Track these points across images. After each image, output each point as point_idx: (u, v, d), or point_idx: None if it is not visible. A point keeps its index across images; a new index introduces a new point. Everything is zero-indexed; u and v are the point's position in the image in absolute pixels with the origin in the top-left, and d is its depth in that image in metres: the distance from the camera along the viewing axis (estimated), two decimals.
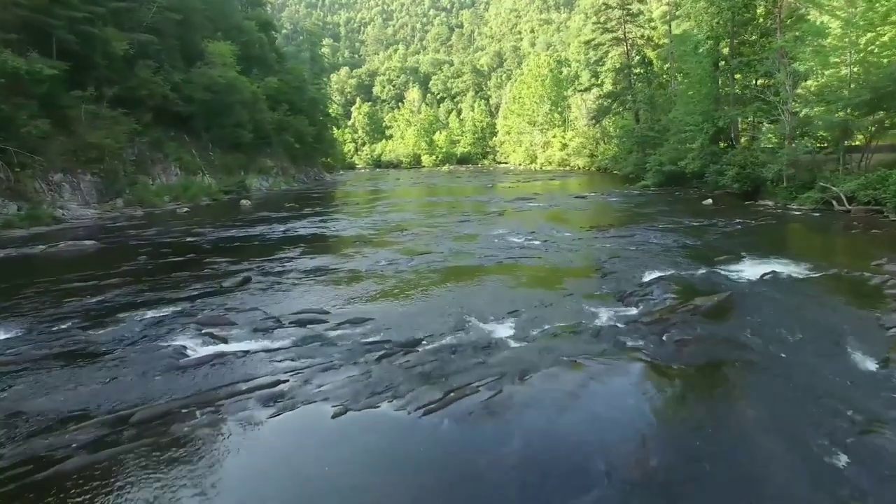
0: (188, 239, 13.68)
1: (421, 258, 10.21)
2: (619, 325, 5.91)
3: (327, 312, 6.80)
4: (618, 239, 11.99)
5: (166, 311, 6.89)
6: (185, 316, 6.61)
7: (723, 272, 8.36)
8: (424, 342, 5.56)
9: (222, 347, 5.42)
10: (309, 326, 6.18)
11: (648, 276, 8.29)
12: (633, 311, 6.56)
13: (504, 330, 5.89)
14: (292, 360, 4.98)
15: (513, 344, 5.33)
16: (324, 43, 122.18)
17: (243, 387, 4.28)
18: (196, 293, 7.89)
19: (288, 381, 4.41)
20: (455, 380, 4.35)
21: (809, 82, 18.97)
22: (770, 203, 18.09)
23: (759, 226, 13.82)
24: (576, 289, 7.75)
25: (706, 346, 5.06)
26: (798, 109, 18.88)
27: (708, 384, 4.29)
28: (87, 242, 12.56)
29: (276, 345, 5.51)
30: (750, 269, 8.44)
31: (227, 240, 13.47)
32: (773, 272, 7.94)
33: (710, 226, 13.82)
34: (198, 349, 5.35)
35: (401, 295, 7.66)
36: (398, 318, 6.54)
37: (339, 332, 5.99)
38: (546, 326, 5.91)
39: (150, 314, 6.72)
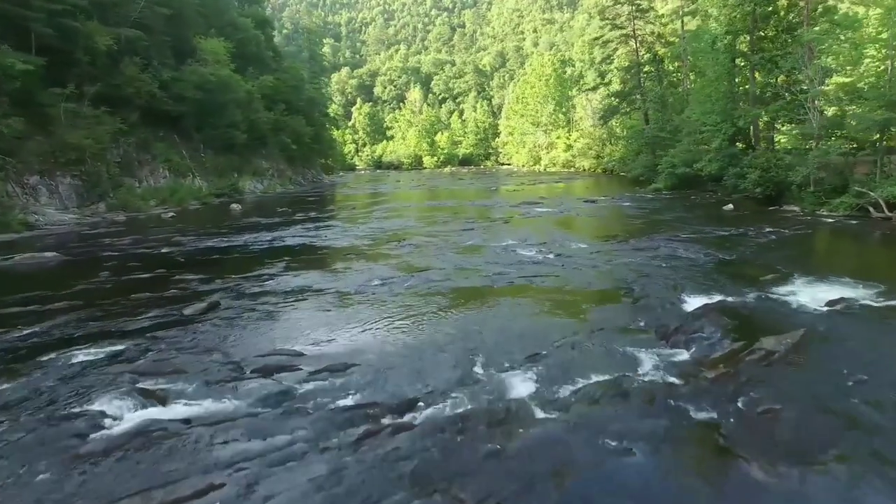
0: (163, 250, 12.38)
1: (419, 276, 8.90)
2: (672, 379, 4.58)
3: (301, 355, 5.49)
4: (641, 252, 10.66)
5: (105, 350, 5.58)
6: (123, 360, 5.30)
7: (777, 298, 7.03)
8: (421, 406, 4.24)
9: (155, 414, 4.11)
10: (275, 378, 4.86)
11: (690, 304, 6.97)
12: (684, 355, 5.24)
13: (523, 386, 4.57)
14: (240, 440, 3.67)
15: (538, 413, 4.01)
16: (325, 43, 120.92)
17: (158, 497, 2.96)
18: (150, 323, 6.58)
19: (225, 485, 3.08)
20: (464, 487, 3.02)
21: (836, 79, 17.65)
22: (796, 209, 16.75)
23: (794, 236, 12.49)
24: (605, 320, 6.43)
25: (806, 422, 3.72)
26: (826, 108, 17.55)
27: (832, 495, 2.96)
28: (48, 255, 11.26)
29: (226, 410, 4.20)
30: (809, 294, 7.10)
31: (206, 251, 12.17)
32: (843, 299, 6.59)
33: (739, 236, 12.49)
34: (122, 417, 4.04)
35: (393, 328, 6.34)
36: (389, 363, 5.22)
37: (311, 386, 4.68)
38: (578, 382, 4.58)
39: (82, 356, 5.41)
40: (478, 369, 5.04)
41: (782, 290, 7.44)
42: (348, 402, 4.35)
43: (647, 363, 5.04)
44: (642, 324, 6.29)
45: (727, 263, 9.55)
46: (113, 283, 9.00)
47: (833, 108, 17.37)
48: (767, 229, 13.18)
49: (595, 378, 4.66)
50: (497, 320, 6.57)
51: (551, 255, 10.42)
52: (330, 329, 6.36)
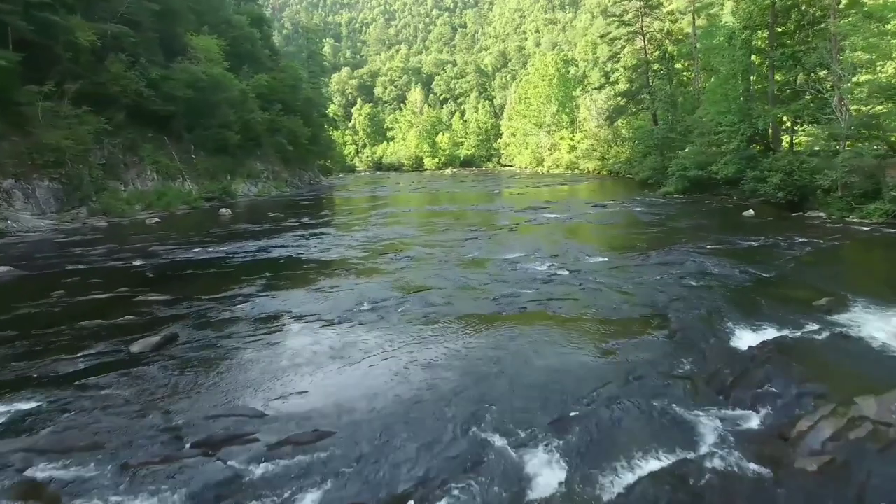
0: (136, 262, 11.22)
1: (416, 299, 7.71)
2: (752, 466, 3.38)
3: (262, 416, 4.31)
4: (665, 267, 9.47)
5: (11, 408, 4.41)
6: (27, 426, 4.11)
7: (845, 332, 5.82)
8: None
9: None
10: (221, 456, 3.68)
11: (740, 338, 5.81)
12: (754, 420, 4.06)
13: (550, 475, 3.39)
14: None
15: None
16: (325, 43, 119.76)
17: None
18: (85, 365, 5.41)
19: None
20: None
21: (863, 76, 16.45)
22: (822, 215, 15.57)
23: (831, 247, 11.27)
24: (641, 363, 5.24)
25: None
26: (854, 106, 16.34)
27: None
28: (1, 269, 10.07)
29: None
30: (881, 326, 5.91)
31: (181, 265, 10.99)
32: None
33: (770, 247, 11.30)
34: None
35: (381, 373, 5.16)
36: (372, 430, 4.05)
37: (267, 471, 3.50)
38: (624, 469, 3.39)
39: None
40: (488, 440, 3.86)
41: (846, 319, 6.24)
42: (312, 501, 3.17)
43: (709, 434, 3.85)
44: (688, 368, 5.11)
45: (767, 283, 8.35)
46: (63, 306, 7.82)
47: (862, 106, 16.17)
48: (799, 239, 11.98)
49: (646, 463, 3.47)
50: (509, 362, 5.38)
51: (565, 272, 9.23)
52: (303, 374, 5.18)
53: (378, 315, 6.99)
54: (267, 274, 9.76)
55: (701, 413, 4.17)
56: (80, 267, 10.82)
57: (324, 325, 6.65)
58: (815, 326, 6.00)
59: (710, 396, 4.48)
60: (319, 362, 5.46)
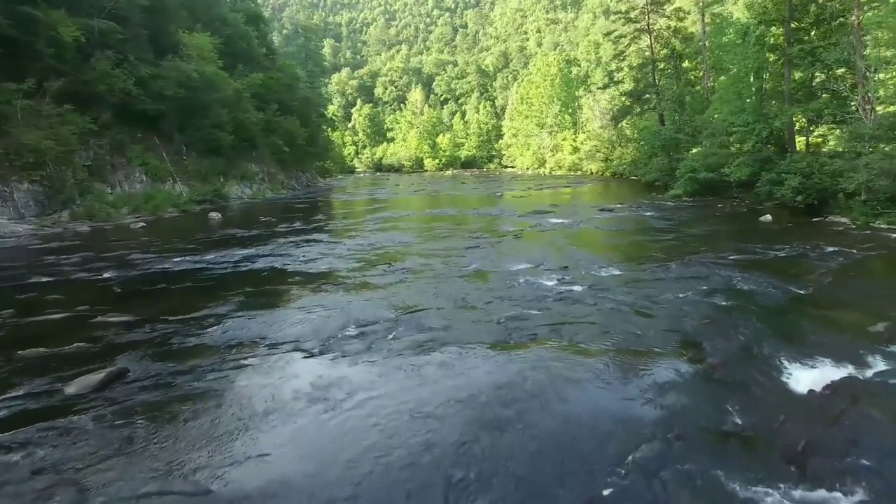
0: (106, 274, 10.29)
1: (410, 322, 6.75)
2: None
3: (207, 493, 3.36)
4: (687, 282, 8.51)
5: None
6: None
7: None
8: None
9: None
10: None
11: (793, 376, 4.92)
12: None
13: None
14: None
15: None
16: (325, 43, 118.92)
17: None
18: (5, 412, 4.46)
19: None
20: None
21: (889, 74, 15.49)
22: (845, 220, 14.60)
23: (866, 258, 10.28)
24: (681, 413, 4.30)
25: None
26: (881, 106, 15.37)
27: None
28: None
29: None
30: None
31: (154, 277, 10.04)
32: None
33: (798, 257, 10.35)
34: None
35: (364, 427, 4.19)
36: None
37: None
38: None
39: None
40: None
41: None
42: None
43: None
44: (739, 422, 4.16)
45: (807, 301, 7.40)
46: (8, 328, 6.88)
47: (889, 106, 15.21)
48: (828, 248, 10.99)
49: None
50: (521, 407, 4.41)
51: (577, 287, 8.27)
52: (269, 426, 4.22)
53: (365, 343, 6.03)
54: (247, 289, 8.81)
55: (771, 494, 3.21)
56: (45, 279, 9.90)
57: (302, 357, 5.69)
58: (884, 363, 5.05)
59: (779, 467, 3.52)
60: (291, 409, 4.50)
